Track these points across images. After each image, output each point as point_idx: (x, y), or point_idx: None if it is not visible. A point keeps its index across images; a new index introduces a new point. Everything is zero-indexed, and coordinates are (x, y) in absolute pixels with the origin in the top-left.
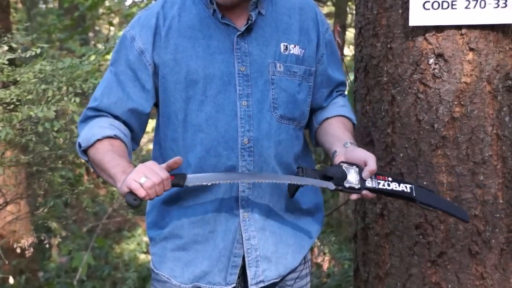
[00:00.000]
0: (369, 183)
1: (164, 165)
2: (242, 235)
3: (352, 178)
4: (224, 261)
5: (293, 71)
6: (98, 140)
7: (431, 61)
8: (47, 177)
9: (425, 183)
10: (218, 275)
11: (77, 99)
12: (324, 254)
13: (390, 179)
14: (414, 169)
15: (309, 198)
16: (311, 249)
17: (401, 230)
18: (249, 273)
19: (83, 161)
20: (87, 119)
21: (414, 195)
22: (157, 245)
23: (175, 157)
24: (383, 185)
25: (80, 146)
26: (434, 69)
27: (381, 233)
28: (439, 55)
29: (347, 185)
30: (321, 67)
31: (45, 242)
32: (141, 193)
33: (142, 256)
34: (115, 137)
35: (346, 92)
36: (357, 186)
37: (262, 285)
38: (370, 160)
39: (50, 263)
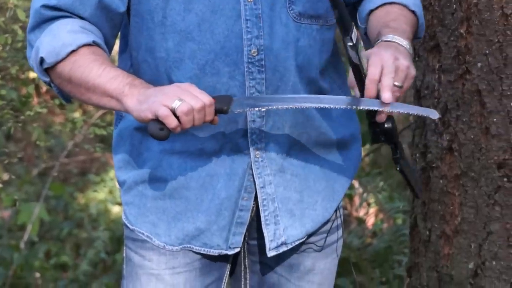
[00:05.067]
0: None
1: None
2: (254, 181)
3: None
4: (227, 216)
5: None
6: (73, 51)
7: None
8: None
9: None
10: (217, 234)
11: None
12: (369, 205)
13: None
14: (497, 85)
15: (342, 125)
16: (350, 198)
17: (477, 171)
18: (267, 233)
19: (31, 76)
20: (42, 22)
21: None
22: (131, 192)
23: None
24: None
25: (41, 62)
26: None
27: (449, 175)
28: None
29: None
30: None
31: None
32: (172, 122)
33: (116, 209)
34: (93, 44)
35: None
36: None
37: (285, 248)
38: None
39: None
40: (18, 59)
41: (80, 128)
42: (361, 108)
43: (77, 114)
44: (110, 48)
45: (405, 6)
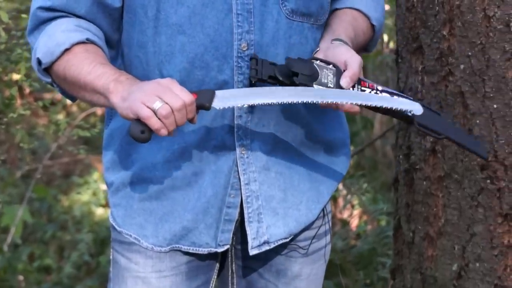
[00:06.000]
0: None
1: None
2: (239, 178)
3: (326, 79)
4: (214, 213)
5: None
6: (67, 50)
7: None
8: None
9: (495, 106)
10: (205, 233)
11: None
12: (353, 206)
13: (379, 88)
14: (480, 87)
15: (331, 128)
16: (334, 200)
17: (460, 173)
18: (250, 230)
19: (15, 78)
20: (40, 23)
21: (410, 112)
22: (119, 193)
23: None
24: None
25: (40, 63)
26: None
27: (432, 177)
28: None
29: (316, 86)
30: None
31: None
32: (155, 124)
33: (100, 211)
34: (87, 41)
35: None
36: None
37: (267, 247)
38: (353, 62)
39: None
40: (1, 60)
41: (63, 130)
42: (337, 101)
43: (60, 116)
44: (114, 42)
45: (368, 18)
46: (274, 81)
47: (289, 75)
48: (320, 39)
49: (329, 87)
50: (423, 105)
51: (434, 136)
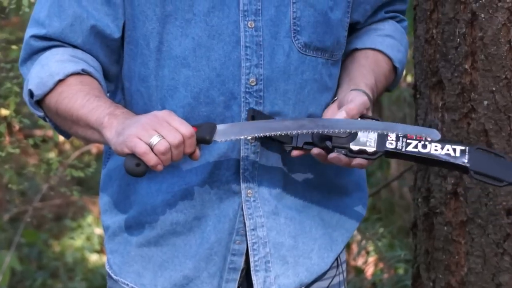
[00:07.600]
0: (391, 144)
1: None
2: (245, 223)
3: (366, 137)
4: (218, 261)
5: None
6: (60, 81)
7: None
8: None
9: None
10: (208, 282)
11: None
12: (368, 253)
13: (429, 138)
14: (505, 125)
15: (345, 170)
16: (348, 246)
17: (484, 217)
18: (256, 280)
19: (3, 114)
20: (33, 53)
21: (466, 161)
22: (116, 238)
23: None
24: (416, 147)
25: (32, 95)
26: None
27: (454, 222)
28: None
29: (355, 147)
30: None
31: None
32: (151, 160)
33: (94, 257)
34: (83, 72)
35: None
36: (371, 149)
37: None
38: (355, 99)
39: None
40: None
41: (55, 170)
42: (354, 130)
43: (52, 155)
44: (112, 75)
45: (390, 59)
46: (310, 146)
47: (320, 140)
48: (338, 87)
49: (369, 146)
50: (481, 148)
51: (494, 184)
